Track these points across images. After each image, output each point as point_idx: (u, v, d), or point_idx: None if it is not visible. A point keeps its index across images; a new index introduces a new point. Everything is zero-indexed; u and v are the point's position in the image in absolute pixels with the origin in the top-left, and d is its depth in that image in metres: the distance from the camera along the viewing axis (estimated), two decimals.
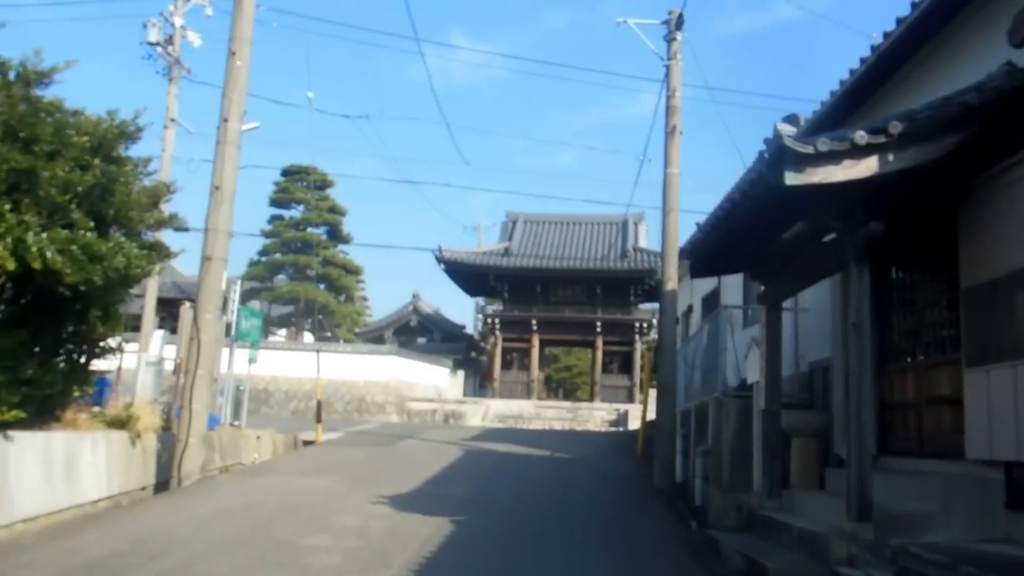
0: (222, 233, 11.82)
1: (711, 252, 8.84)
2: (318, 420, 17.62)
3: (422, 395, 34.05)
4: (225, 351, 16.68)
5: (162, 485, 11.36)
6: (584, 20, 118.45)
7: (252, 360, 16.69)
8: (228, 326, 16.38)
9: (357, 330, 45.33)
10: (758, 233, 8.19)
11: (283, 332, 40.65)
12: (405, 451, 15.66)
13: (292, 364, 31.94)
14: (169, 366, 16.95)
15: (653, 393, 18.75)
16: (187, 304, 14.04)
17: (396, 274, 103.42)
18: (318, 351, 18.20)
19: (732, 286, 17.34)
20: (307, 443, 17.63)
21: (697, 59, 44.01)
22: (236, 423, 16.23)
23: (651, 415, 18.80)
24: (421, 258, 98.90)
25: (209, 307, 11.70)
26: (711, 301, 18.93)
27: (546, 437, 21.01)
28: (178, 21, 20.53)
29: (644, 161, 25.82)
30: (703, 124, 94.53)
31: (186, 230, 29.96)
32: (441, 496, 10.53)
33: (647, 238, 40.30)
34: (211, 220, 11.79)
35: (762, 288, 9.06)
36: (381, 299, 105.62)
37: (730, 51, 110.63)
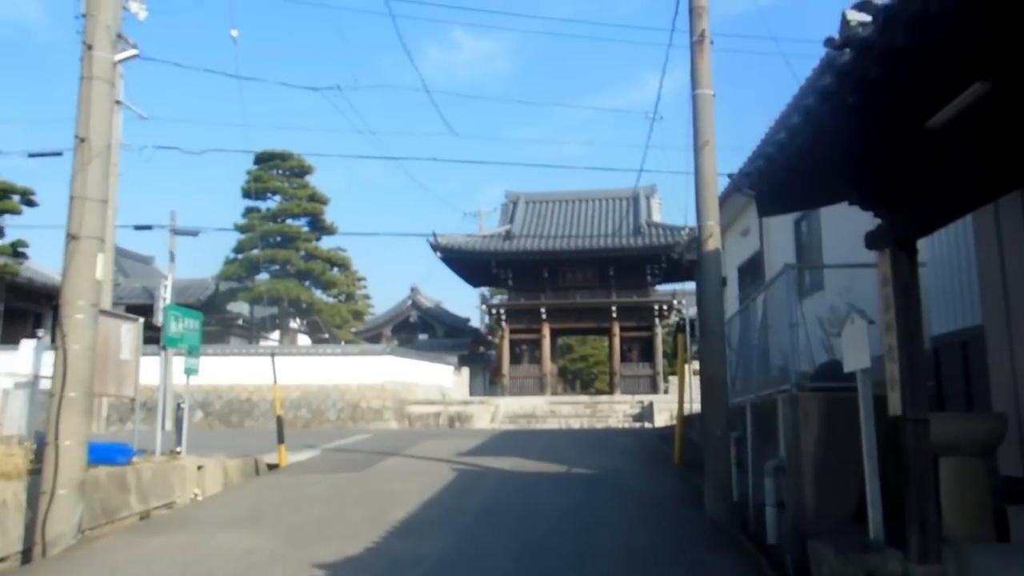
0: (93, 203, 8.52)
1: (792, 173, 5.53)
2: (280, 440, 14.37)
3: (424, 397, 30.79)
4: (154, 361, 13.45)
5: (29, 552, 8.20)
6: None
7: (190, 371, 13.44)
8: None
9: (354, 330, 42.11)
10: (882, 124, 4.87)
11: (275, 335, 37.49)
12: (381, 477, 12.37)
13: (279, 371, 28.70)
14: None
15: (679, 382, 15.40)
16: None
17: (397, 272, 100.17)
18: (272, 355, 14.96)
19: (779, 246, 13.96)
20: (272, 467, 14.42)
21: None
22: (178, 450, 13.02)
23: (686, 407, 15.44)
24: (423, 254, 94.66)
25: (79, 304, 8.41)
26: (751, 270, 15.54)
27: (562, 442, 17.69)
28: None
29: (656, 119, 22.50)
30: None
31: (149, 228, 26.87)
32: (406, 560, 7.25)
33: (661, 212, 36.93)
34: (76, 185, 8.50)
35: (880, 223, 5.71)
36: (387, 298, 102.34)
37: None
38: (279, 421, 14.54)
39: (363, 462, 14.24)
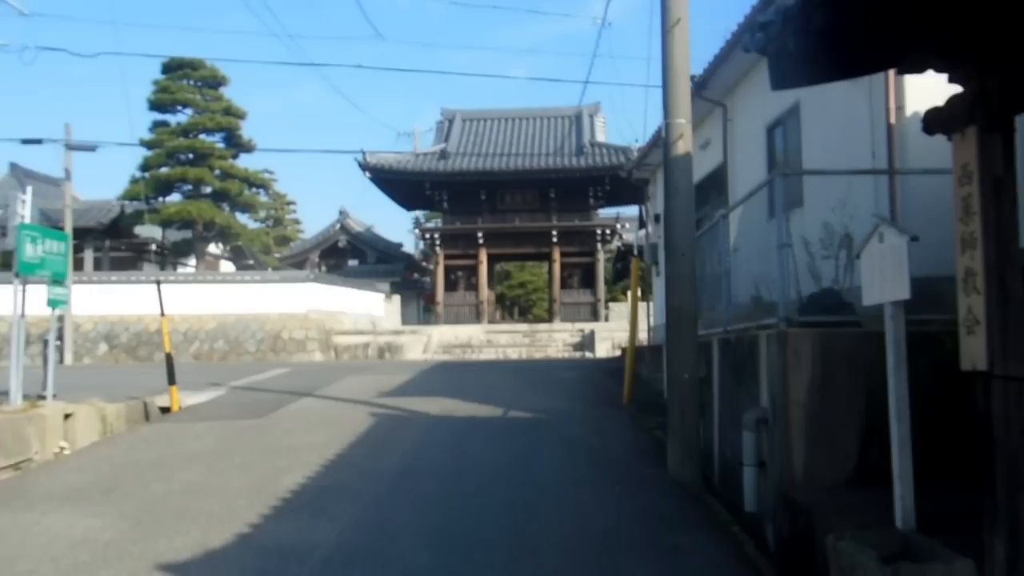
0: None
1: (837, 11, 3.67)
2: (170, 380, 12.33)
3: (351, 327, 28.82)
4: (8, 290, 11.19)
5: None
6: None
7: (55, 302, 11.23)
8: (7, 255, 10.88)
9: (279, 255, 39.58)
10: None
11: (193, 262, 34.78)
12: (285, 425, 10.50)
13: (190, 300, 26.43)
14: None
15: (631, 312, 13.76)
16: None
17: (331, 197, 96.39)
18: (158, 282, 12.77)
19: (747, 157, 12.22)
20: (165, 411, 12.44)
21: None
22: (44, 395, 10.94)
23: (634, 335, 13.87)
24: (357, 178, 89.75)
25: None
26: (712, 186, 13.81)
27: (498, 376, 16.01)
28: None
29: (604, 25, 20.41)
30: None
31: (39, 142, 23.90)
32: (285, 554, 5.43)
33: (605, 132, 34.98)
34: None
35: (959, 93, 3.92)
36: (319, 225, 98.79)
37: None
38: (168, 360, 12.47)
39: (270, 404, 12.34)
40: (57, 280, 11.31)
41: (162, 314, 12.73)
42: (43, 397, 10.92)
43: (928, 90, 7.97)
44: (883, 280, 5.24)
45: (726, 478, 7.75)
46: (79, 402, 10.87)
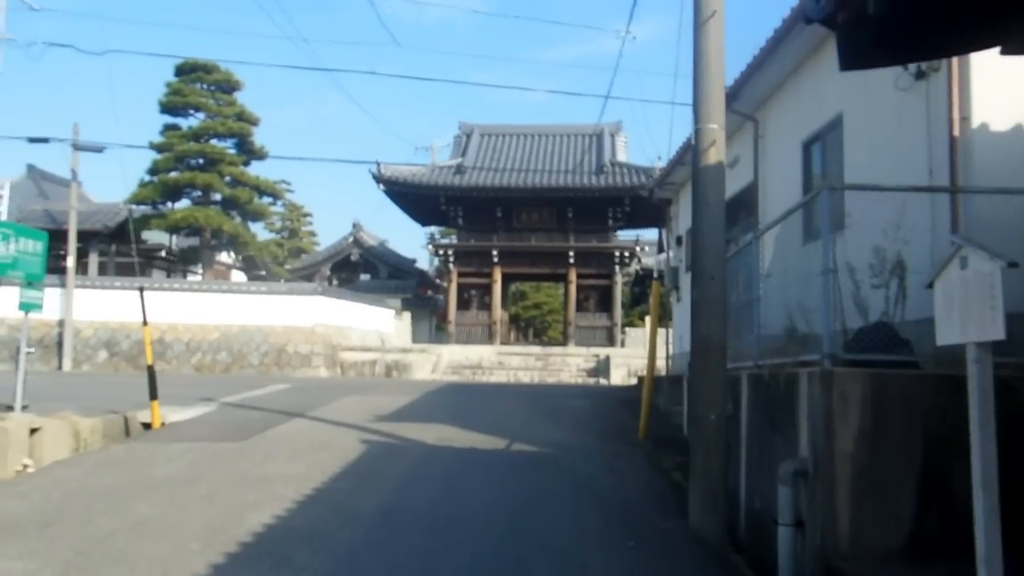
0: None
1: None
2: (152, 396, 11.46)
3: (359, 343, 27.96)
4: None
5: None
6: None
7: (29, 306, 10.43)
8: None
9: (289, 267, 38.87)
10: None
11: (200, 270, 34.09)
12: (265, 450, 9.59)
13: (194, 309, 25.74)
14: None
15: (650, 339, 12.81)
16: None
17: (348, 210, 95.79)
18: (141, 289, 11.95)
19: (781, 175, 11.27)
20: (147, 426, 11.58)
21: None
22: (12, 405, 10.14)
23: (652, 365, 12.90)
24: (371, 191, 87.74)
25: None
26: (739, 208, 12.83)
27: (506, 402, 15.06)
28: None
29: (626, 37, 19.56)
30: None
31: (100, 150, 23.12)
32: None
33: (626, 151, 34.15)
34: None
35: None
36: (335, 237, 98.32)
37: None
38: (150, 372, 11.61)
39: (257, 425, 11.45)
40: (32, 282, 10.52)
41: (144, 323, 11.88)
42: (11, 408, 10.12)
43: (999, 101, 7.08)
44: (965, 315, 4.29)
45: (754, 533, 6.77)
46: (50, 415, 10.03)
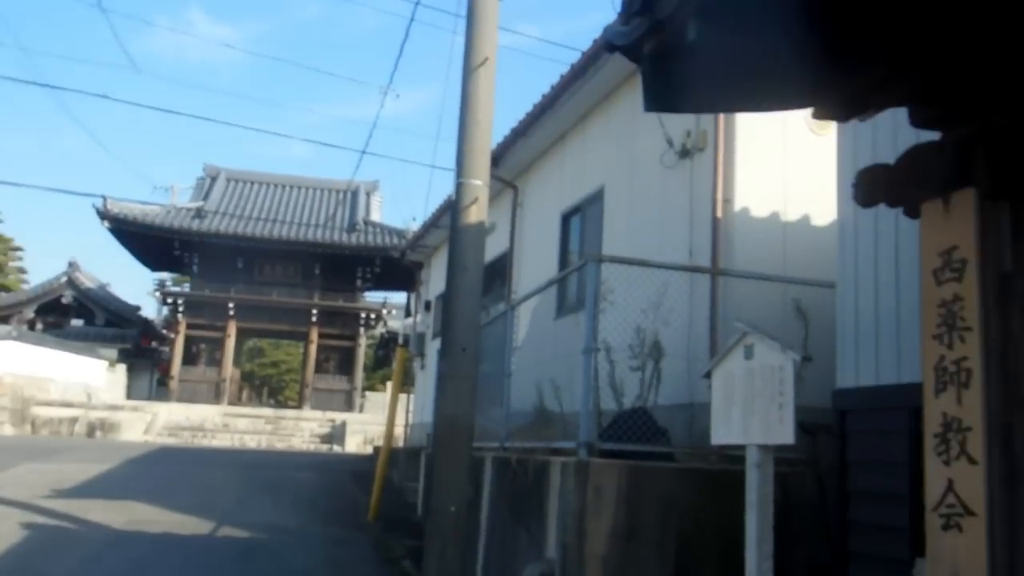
0: None
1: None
2: None
3: (59, 397, 24.41)
4: None
5: None
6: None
7: None
8: None
9: None
10: None
11: None
12: None
13: None
14: None
15: (390, 409, 11.86)
16: None
17: (68, 249, 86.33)
18: None
19: (537, 245, 10.91)
20: None
21: None
22: None
23: (390, 437, 11.93)
24: (98, 231, 77.84)
25: None
26: (496, 276, 12.33)
27: (224, 472, 13.30)
28: None
29: (387, 92, 18.92)
30: None
31: None
32: None
33: (381, 211, 33.41)
34: None
35: (943, 138, 2.52)
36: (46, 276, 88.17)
37: None
38: None
39: None
40: None
41: None
42: None
43: (760, 185, 7.03)
44: (747, 413, 3.76)
45: None
46: None
